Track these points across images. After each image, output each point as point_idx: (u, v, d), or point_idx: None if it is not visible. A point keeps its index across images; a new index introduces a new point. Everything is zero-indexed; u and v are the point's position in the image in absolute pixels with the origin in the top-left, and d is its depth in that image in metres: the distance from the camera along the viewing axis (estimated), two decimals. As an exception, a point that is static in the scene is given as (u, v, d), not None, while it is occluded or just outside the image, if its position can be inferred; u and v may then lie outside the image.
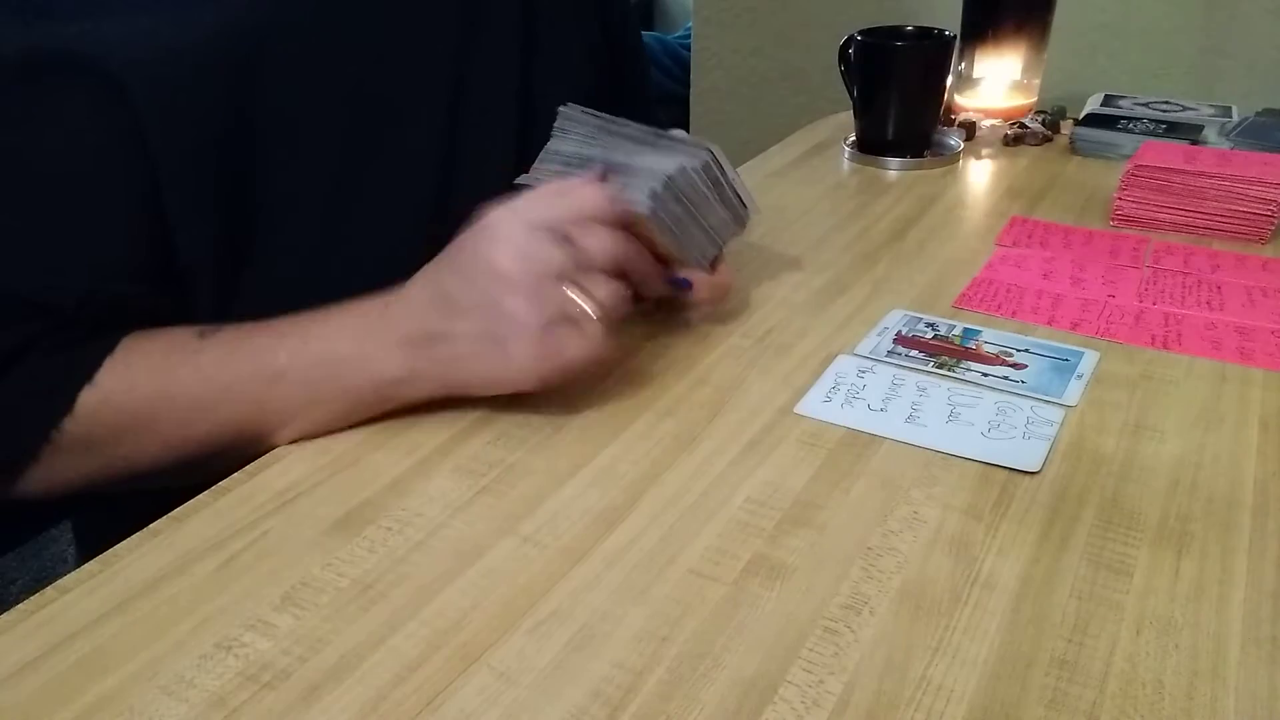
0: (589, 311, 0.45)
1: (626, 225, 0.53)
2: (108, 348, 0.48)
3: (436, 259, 0.47)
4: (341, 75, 0.52)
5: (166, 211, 0.49)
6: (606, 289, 0.46)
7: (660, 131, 0.57)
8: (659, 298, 0.59)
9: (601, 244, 0.46)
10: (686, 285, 0.56)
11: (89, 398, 0.47)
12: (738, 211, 0.58)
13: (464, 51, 0.58)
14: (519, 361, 0.46)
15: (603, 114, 0.59)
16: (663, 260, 0.56)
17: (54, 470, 0.48)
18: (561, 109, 0.59)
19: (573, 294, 0.45)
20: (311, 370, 0.47)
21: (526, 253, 0.44)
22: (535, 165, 0.58)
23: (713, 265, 0.58)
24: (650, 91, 0.79)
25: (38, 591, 0.40)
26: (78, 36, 0.45)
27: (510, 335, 0.45)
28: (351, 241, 0.54)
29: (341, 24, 0.52)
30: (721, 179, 0.57)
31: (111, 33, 0.45)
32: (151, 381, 0.47)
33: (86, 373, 0.47)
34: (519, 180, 0.58)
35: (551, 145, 0.59)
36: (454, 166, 0.58)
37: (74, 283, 0.48)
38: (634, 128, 0.57)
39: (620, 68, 0.71)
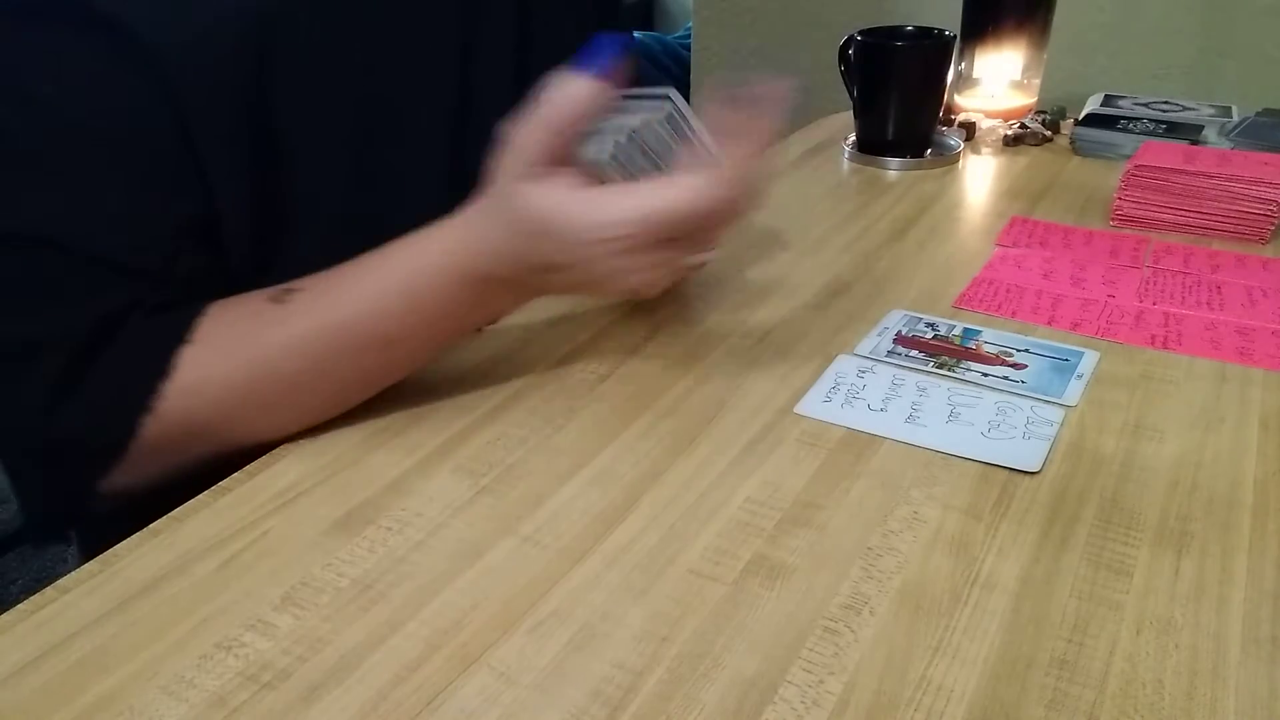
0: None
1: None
2: (183, 330, 0.47)
3: (516, 218, 0.45)
4: (349, 67, 0.52)
5: (207, 175, 0.48)
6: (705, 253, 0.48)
7: (628, 91, 0.57)
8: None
9: (693, 250, 0.47)
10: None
11: (175, 389, 0.46)
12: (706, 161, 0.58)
13: (466, 50, 0.58)
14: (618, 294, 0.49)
15: None
16: None
17: (150, 466, 0.47)
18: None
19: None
20: (426, 330, 0.49)
21: (628, 262, 0.45)
22: None
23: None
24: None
25: (38, 591, 0.40)
26: (111, 9, 0.45)
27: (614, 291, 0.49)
28: (371, 223, 0.54)
29: (349, 11, 0.52)
30: (687, 130, 0.56)
31: (150, 11, 0.46)
32: (248, 363, 0.47)
33: (165, 364, 0.46)
34: None
35: None
36: (464, 148, 0.58)
37: (155, 245, 0.48)
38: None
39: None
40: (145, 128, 0.47)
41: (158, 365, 0.46)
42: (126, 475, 0.47)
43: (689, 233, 0.45)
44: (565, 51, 0.65)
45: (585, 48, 0.45)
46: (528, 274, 0.47)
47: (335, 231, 0.54)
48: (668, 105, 0.55)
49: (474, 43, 0.59)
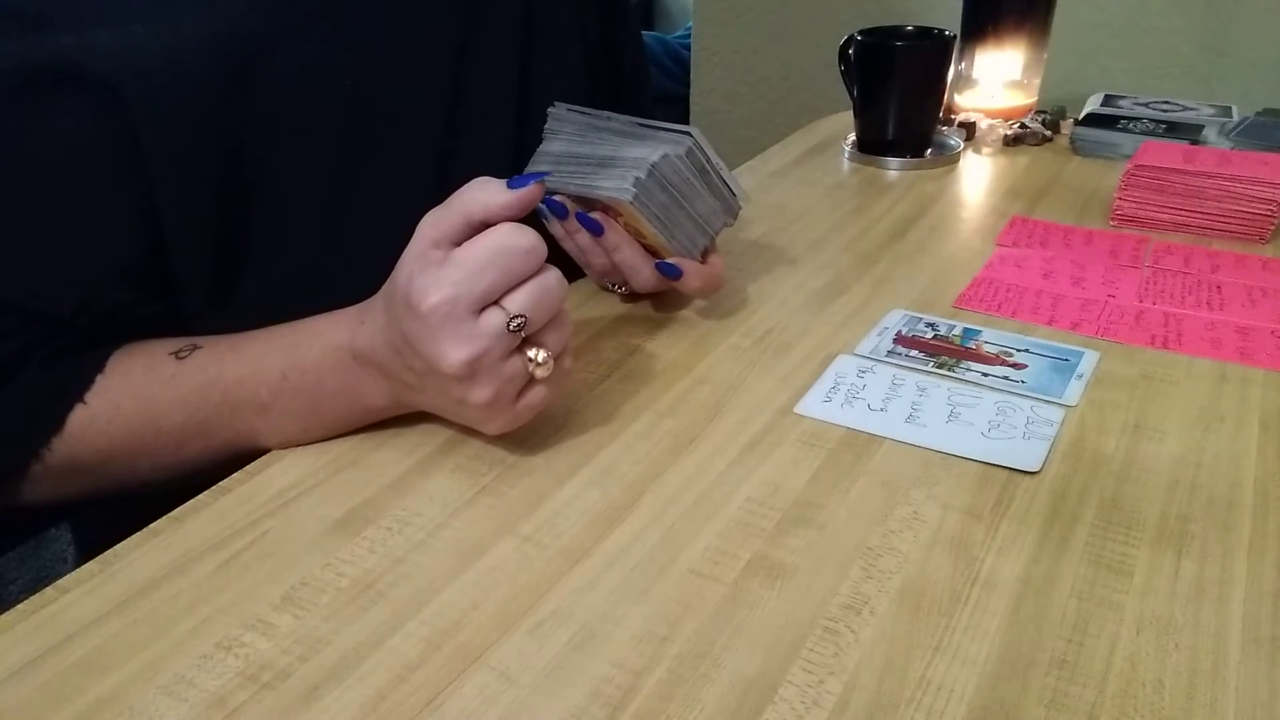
0: (542, 366, 0.44)
1: (612, 214, 0.53)
2: (98, 366, 0.48)
3: (391, 288, 0.44)
4: (337, 79, 0.52)
5: (162, 218, 0.49)
6: (555, 335, 0.45)
7: (644, 121, 0.57)
8: (652, 291, 0.59)
9: (539, 302, 0.44)
10: (676, 273, 0.56)
11: (78, 419, 0.47)
12: (727, 200, 0.58)
13: (462, 53, 0.57)
14: (489, 425, 0.46)
15: (590, 110, 0.59)
16: (652, 253, 0.56)
17: (49, 486, 0.48)
18: (551, 110, 0.59)
19: (525, 357, 0.44)
20: (296, 403, 0.48)
21: (463, 338, 0.42)
22: (528, 167, 0.59)
23: (704, 255, 0.58)
24: (650, 90, 0.79)
25: (38, 591, 0.40)
26: (73, 47, 0.45)
27: (475, 415, 0.45)
28: (348, 243, 0.54)
29: (338, 27, 0.52)
30: (707, 166, 0.56)
31: (106, 42, 0.45)
32: (136, 409, 0.48)
33: (78, 392, 0.47)
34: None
35: (543, 146, 0.59)
36: (451, 168, 0.57)
37: (68, 291, 0.48)
38: (619, 120, 0.57)
39: (620, 67, 0.71)
40: (85, 169, 0.47)
41: (50, 417, 0.47)
42: (8, 497, 0.48)
43: (507, 282, 0.43)
44: (566, 71, 0.65)
45: (514, 177, 0.44)
46: (394, 357, 0.45)
47: (300, 273, 0.53)
48: (688, 140, 0.55)
49: (468, 58, 0.58)
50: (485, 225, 0.43)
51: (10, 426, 0.47)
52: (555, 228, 0.58)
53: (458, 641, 0.37)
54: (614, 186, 0.53)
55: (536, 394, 0.46)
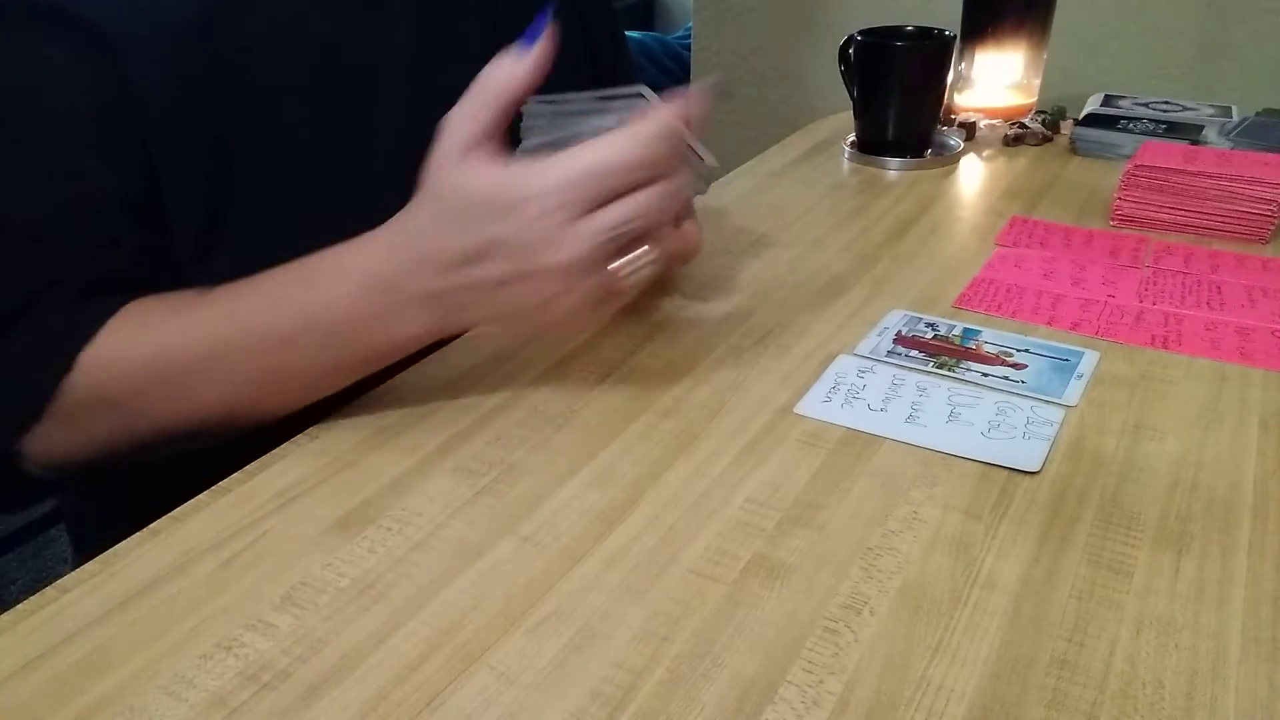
0: (636, 273, 0.44)
1: None
2: (110, 309, 0.48)
3: (446, 197, 0.43)
4: (309, 39, 0.53)
5: (152, 155, 0.49)
6: (657, 238, 0.45)
7: (602, 93, 0.57)
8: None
9: (660, 202, 0.44)
10: None
11: (92, 358, 0.47)
12: (695, 165, 0.57)
13: (434, 25, 0.58)
14: (556, 325, 0.45)
15: (555, 97, 0.59)
16: None
17: (68, 434, 0.48)
18: (524, 108, 0.59)
19: (622, 261, 0.44)
20: (325, 337, 0.46)
21: (579, 227, 0.42)
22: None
23: (677, 222, 0.56)
24: (632, 75, 0.79)
25: (38, 591, 0.40)
26: None
27: (552, 307, 0.44)
28: (335, 197, 0.54)
29: None
30: None
31: None
32: (155, 344, 0.47)
33: (88, 332, 0.47)
34: None
35: (521, 146, 0.59)
36: (426, 130, 0.58)
37: (72, 210, 0.48)
38: (581, 100, 0.57)
39: (596, 48, 0.71)
40: (84, 106, 0.48)
41: (62, 355, 0.47)
42: (42, 445, 0.48)
43: (618, 190, 0.43)
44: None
45: (525, 31, 0.44)
46: (442, 276, 0.44)
47: (286, 221, 0.53)
48: (641, 103, 0.55)
49: (440, 37, 0.58)
50: (517, 104, 0.44)
51: (21, 370, 0.47)
52: None
53: (458, 641, 0.37)
54: None
55: (619, 299, 0.45)
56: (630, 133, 0.43)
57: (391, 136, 0.57)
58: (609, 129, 0.52)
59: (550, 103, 0.58)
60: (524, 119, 0.59)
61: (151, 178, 0.50)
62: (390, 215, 0.47)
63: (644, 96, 0.55)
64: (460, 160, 0.43)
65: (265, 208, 0.53)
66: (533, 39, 0.43)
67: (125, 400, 0.48)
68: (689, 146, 0.56)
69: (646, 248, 0.44)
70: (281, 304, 0.47)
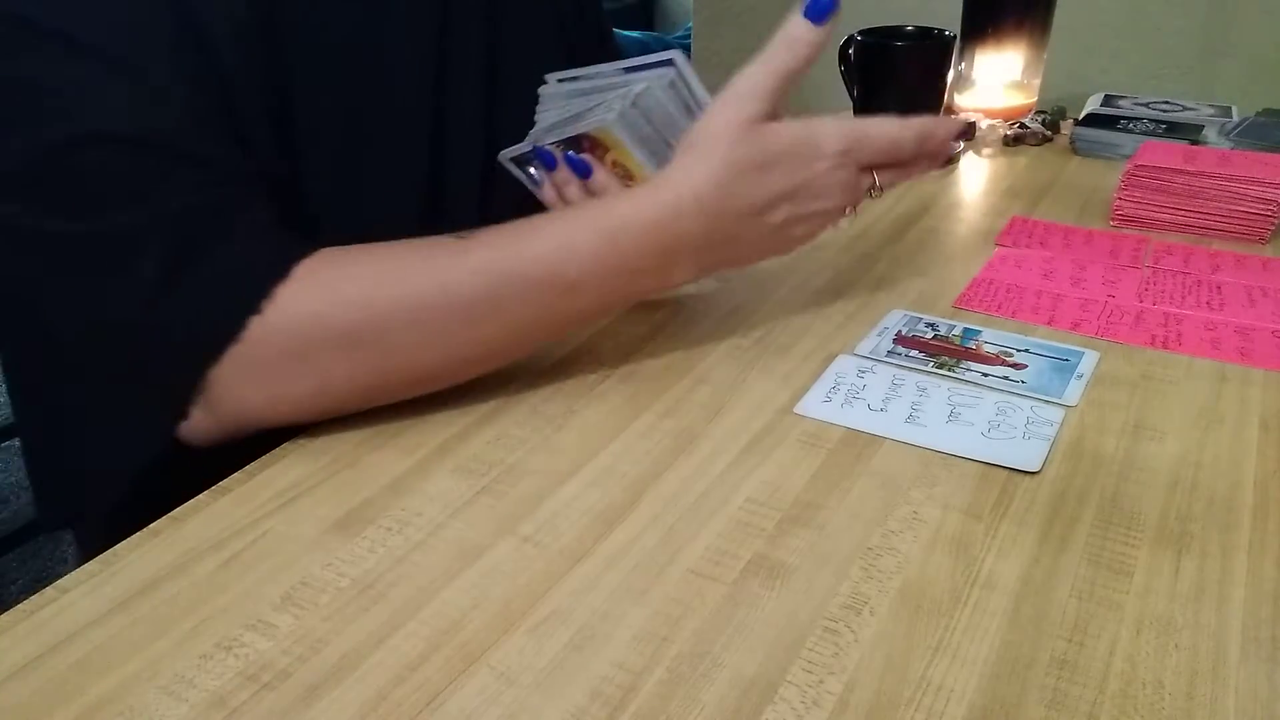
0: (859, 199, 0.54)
1: (599, 153, 0.55)
2: (306, 247, 0.46)
3: (745, 153, 0.49)
4: (336, 35, 0.52)
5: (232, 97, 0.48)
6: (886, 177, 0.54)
7: (630, 63, 0.57)
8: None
9: (895, 179, 0.55)
10: None
11: (325, 287, 0.45)
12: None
13: (445, 18, 0.58)
14: (796, 247, 0.54)
15: (578, 72, 0.59)
16: None
17: (299, 375, 0.46)
18: (541, 89, 0.60)
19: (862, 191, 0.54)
20: (607, 283, 0.49)
21: (851, 196, 0.52)
22: (527, 140, 0.59)
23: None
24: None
25: (38, 591, 0.40)
26: None
27: (797, 243, 0.54)
28: (360, 181, 0.54)
29: None
30: (691, 102, 0.56)
31: None
32: (424, 270, 0.46)
33: (290, 260, 0.45)
34: (502, 155, 0.59)
35: (537, 123, 0.59)
36: (444, 132, 0.58)
37: (212, 125, 0.46)
38: (604, 74, 0.58)
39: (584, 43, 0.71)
40: (180, 35, 0.45)
41: (276, 267, 0.45)
42: (272, 386, 0.45)
43: (893, 157, 0.53)
44: (537, 42, 0.65)
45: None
46: (738, 224, 0.50)
47: (341, 178, 0.53)
48: (670, 72, 0.55)
49: (450, 31, 0.58)
50: (800, 73, 0.51)
51: (230, 276, 0.44)
52: (545, 191, 0.58)
53: (458, 641, 0.37)
54: (598, 119, 0.53)
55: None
56: (910, 125, 0.52)
57: (404, 133, 0.57)
58: (635, 94, 0.53)
59: (571, 79, 0.59)
60: (541, 99, 0.59)
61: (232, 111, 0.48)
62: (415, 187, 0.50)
63: (674, 64, 0.55)
64: (753, 123, 0.49)
65: (319, 157, 0.52)
66: (819, 12, 0.49)
67: (369, 337, 0.45)
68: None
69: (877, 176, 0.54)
70: (573, 251, 0.48)
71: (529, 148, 0.58)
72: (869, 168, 0.52)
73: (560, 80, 0.60)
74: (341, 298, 0.45)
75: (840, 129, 0.51)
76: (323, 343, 0.45)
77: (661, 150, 0.55)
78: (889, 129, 0.52)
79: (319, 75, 0.52)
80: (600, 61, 0.61)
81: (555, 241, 0.48)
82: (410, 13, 0.56)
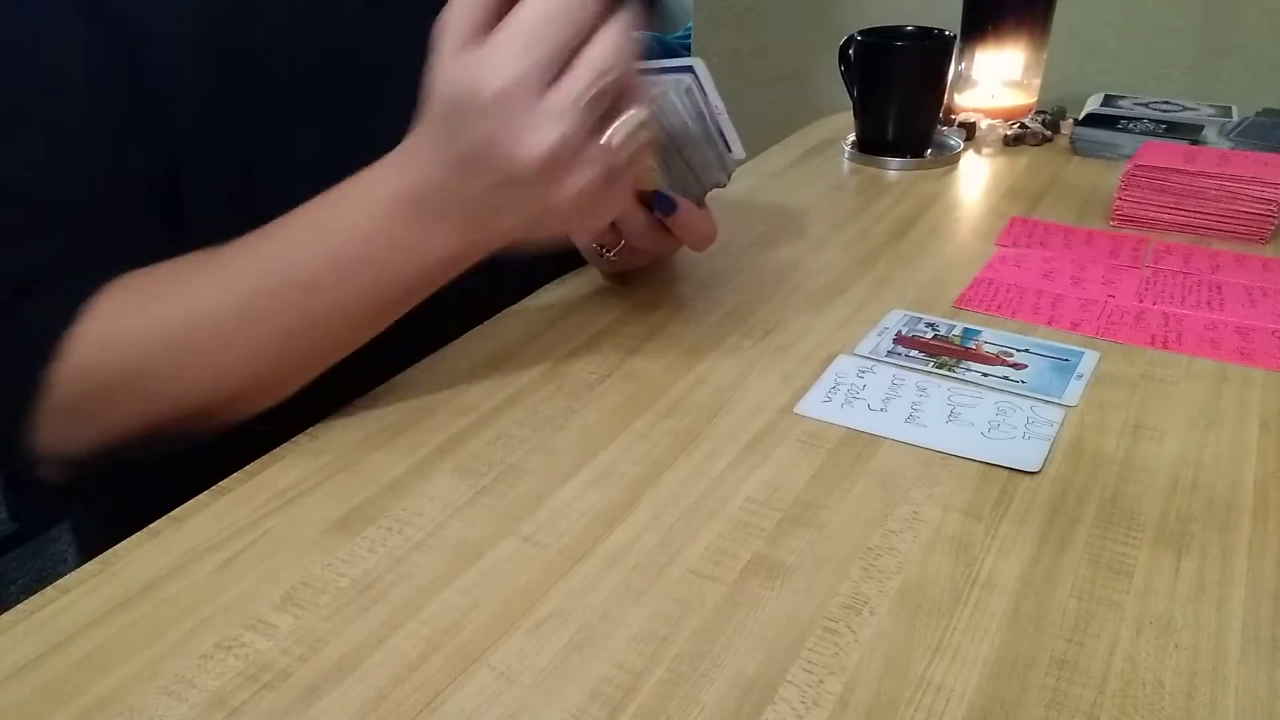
0: (629, 137, 0.41)
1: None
2: (100, 285, 0.46)
3: (433, 106, 0.41)
4: (315, 43, 0.52)
5: (176, 150, 0.48)
6: (628, 97, 0.41)
7: (644, 64, 0.57)
8: (644, 252, 0.58)
9: (608, 55, 0.39)
10: (671, 206, 0.54)
11: (86, 338, 0.44)
12: (721, 154, 0.56)
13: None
14: (585, 223, 0.44)
15: None
16: (645, 207, 0.55)
17: (76, 424, 0.46)
18: None
19: (608, 133, 0.40)
20: (349, 276, 0.44)
21: (550, 130, 0.38)
22: None
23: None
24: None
25: (38, 591, 0.40)
26: None
27: (566, 215, 0.42)
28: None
29: None
30: (704, 111, 0.55)
31: None
32: (162, 310, 0.45)
33: (76, 312, 0.45)
34: None
35: None
36: None
37: (81, 183, 0.47)
38: None
39: None
40: (105, 84, 0.47)
41: (66, 315, 0.44)
42: (53, 438, 0.46)
43: (570, 47, 0.39)
44: None
45: None
46: (458, 184, 0.41)
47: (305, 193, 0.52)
48: (687, 78, 0.54)
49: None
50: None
51: (29, 327, 0.45)
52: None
53: (458, 641, 0.37)
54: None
55: (628, 172, 0.42)
56: None
57: (401, 136, 0.57)
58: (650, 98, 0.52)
59: None
60: None
61: (173, 165, 0.48)
62: None
63: (693, 71, 0.54)
64: (454, 55, 0.39)
65: (281, 197, 0.52)
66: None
67: (134, 378, 0.45)
68: (718, 130, 0.55)
69: (633, 109, 0.41)
70: (302, 246, 0.44)
71: None
72: (584, 95, 0.39)
73: None
74: (112, 340, 0.45)
75: (498, 50, 0.38)
76: (98, 390, 0.45)
77: (672, 157, 0.55)
78: (534, 3, 0.39)
79: (295, 79, 0.52)
80: None
81: (282, 243, 0.44)
82: (412, 8, 0.56)
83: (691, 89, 0.54)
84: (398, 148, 0.44)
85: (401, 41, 0.55)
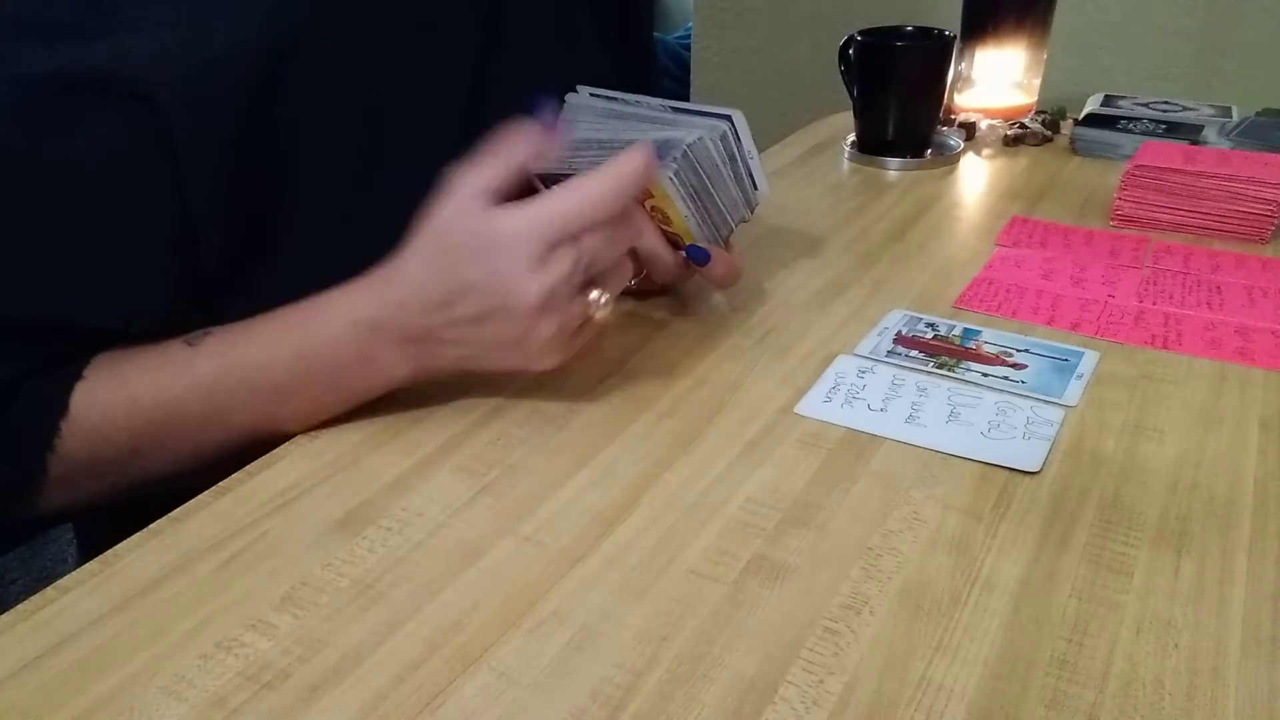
0: (600, 307, 0.48)
1: (643, 200, 0.53)
2: (78, 371, 0.47)
3: (430, 243, 0.46)
4: (361, 86, 0.52)
5: (193, 221, 0.49)
6: (615, 277, 0.49)
7: (678, 105, 0.57)
8: (668, 282, 0.58)
9: (611, 246, 0.47)
10: (705, 257, 0.55)
11: (73, 426, 0.46)
12: (747, 193, 0.57)
13: (485, 57, 0.57)
14: (534, 360, 0.48)
15: (614, 93, 0.58)
16: (672, 242, 0.56)
17: (62, 495, 0.48)
18: (569, 96, 0.59)
19: (587, 297, 0.47)
20: (314, 381, 0.48)
21: (542, 270, 0.44)
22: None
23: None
24: (656, 88, 0.79)
25: (38, 591, 0.40)
26: (104, 58, 0.45)
27: (527, 343, 0.47)
28: (370, 246, 0.54)
29: (361, 37, 0.51)
30: (737, 154, 0.56)
31: (137, 51, 0.45)
32: (154, 397, 0.47)
33: (62, 403, 0.47)
34: (531, 169, 0.58)
35: (574, 136, 0.59)
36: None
37: (120, 303, 0.48)
38: (648, 105, 0.57)
39: (630, 65, 0.71)
40: (125, 177, 0.47)
41: (55, 410, 0.47)
42: (31, 504, 0.48)
43: (582, 235, 0.46)
44: (593, 64, 0.65)
45: (533, 101, 0.47)
46: (424, 317, 0.46)
47: (319, 268, 0.53)
48: (723, 125, 0.55)
49: (491, 59, 0.58)
50: (524, 172, 0.46)
51: (18, 435, 0.46)
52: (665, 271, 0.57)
53: (458, 641, 0.37)
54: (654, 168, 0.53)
55: (588, 332, 0.49)
56: (603, 184, 0.45)
57: (436, 178, 0.57)
58: (684, 142, 0.52)
59: (607, 97, 0.58)
60: (566, 108, 0.59)
61: (188, 240, 0.49)
62: None
63: (731, 119, 0.55)
64: (451, 208, 0.45)
65: (300, 262, 0.53)
66: (542, 113, 0.46)
67: (133, 456, 0.48)
68: (746, 170, 0.56)
69: (597, 291, 0.47)
70: (274, 353, 0.47)
71: (564, 168, 0.57)
72: (583, 262, 0.46)
73: (592, 94, 0.59)
74: (88, 432, 0.47)
75: (523, 214, 0.45)
76: (70, 471, 0.47)
77: (705, 201, 0.55)
78: (576, 198, 0.45)
79: (334, 110, 0.52)
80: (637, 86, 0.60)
81: (261, 350, 0.48)
82: (453, 35, 0.56)
83: (727, 135, 0.55)
84: (377, 271, 0.48)
85: (437, 96, 0.55)
